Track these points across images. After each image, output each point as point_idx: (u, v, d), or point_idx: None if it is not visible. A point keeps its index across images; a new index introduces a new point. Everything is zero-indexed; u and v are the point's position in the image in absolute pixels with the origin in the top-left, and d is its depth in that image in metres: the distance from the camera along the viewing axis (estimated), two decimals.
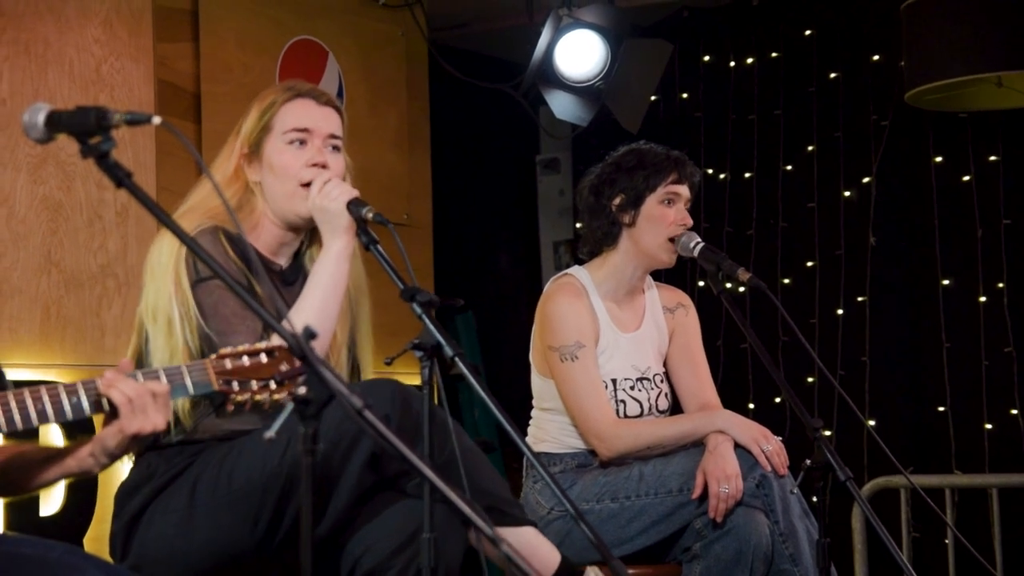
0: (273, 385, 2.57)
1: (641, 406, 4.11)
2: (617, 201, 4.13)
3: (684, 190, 4.12)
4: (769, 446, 3.87)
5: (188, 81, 5.16)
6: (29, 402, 2.45)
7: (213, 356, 2.60)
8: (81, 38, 4.73)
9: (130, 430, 2.54)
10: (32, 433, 2.76)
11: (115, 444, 2.57)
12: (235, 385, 2.57)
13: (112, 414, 2.55)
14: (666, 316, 4.28)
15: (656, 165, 4.11)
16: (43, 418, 2.46)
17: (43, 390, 2.48)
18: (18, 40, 4.57)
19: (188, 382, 2.60)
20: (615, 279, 4.17)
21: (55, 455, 2.68)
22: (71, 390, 2.50)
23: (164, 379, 2.57)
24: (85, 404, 2.50)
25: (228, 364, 2.59)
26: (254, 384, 2.57)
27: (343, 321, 3.39)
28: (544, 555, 3.35)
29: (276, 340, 2.62)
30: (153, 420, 2.54)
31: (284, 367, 2.58)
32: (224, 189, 3.33)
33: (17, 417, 2.45)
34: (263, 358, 2.59)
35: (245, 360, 2.59)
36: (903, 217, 6.22)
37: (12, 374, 3.51)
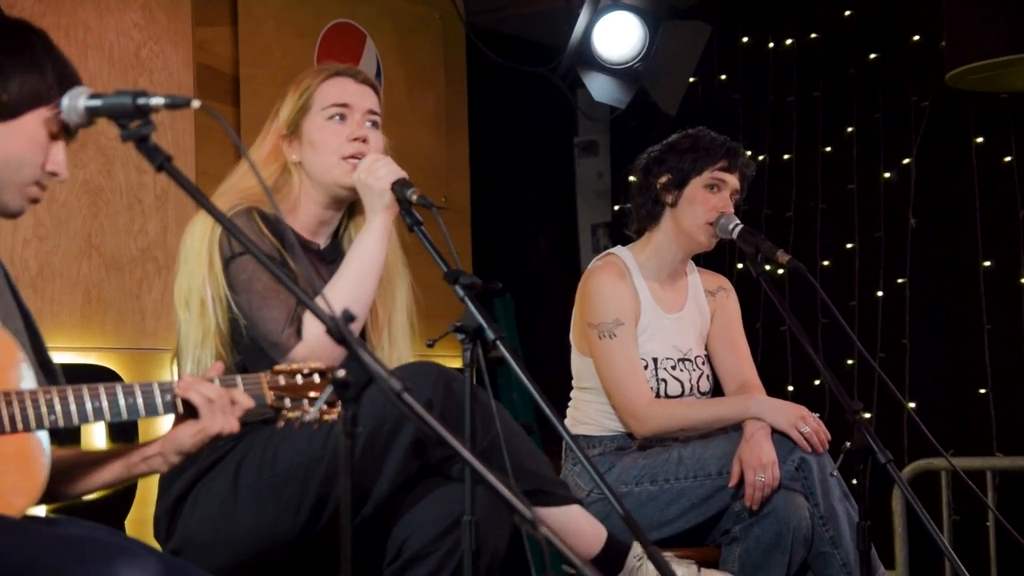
0: (325, 406, 2.59)
1: (682, 386, 4.11)
2: (663, 180, 4.13)
3: (732, 179, 4.10)
4: (807, 428, 3.86)
5: (227, 64, 5.18)
6: (104, 396, 2.46)
7: (268, 371, 2.63)
8: (120, 23, 4.75)
9: (212, 430, 2.56)
10: (74, 434, 2.75)
11: (191, 444, 2.58)
12: (287, 402, 2.61)
13: (185, 416, 2.57)
14: (708, 299, 4.28)
15: (707, 150, 4.10)
16: (115, 414, 2.47)
17: (118, 387, 2.49)
18: (58, 25, 4.59)
19: None
20: (657, 260, 4.17)
21: (116, 455, 2.66)
22: (147, 389, 2.51)
23: (242, 386, 2.60)
24: (159, 403, 2.52)
25: (282, 380, 2.62)
26: (306, 403, 2.62)
27: (384, 302, 3.41)
28: (590, 533, 3.36)
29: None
30: (232, 423, 2.57)
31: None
32: (261, 170, 3.35)
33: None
34: (315, 378, 2.64)
35: (299, 378, 2.63)
36: (943, 199, 6.18)
37: (54, 357, 3.54)
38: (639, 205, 4.19)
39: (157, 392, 2.52)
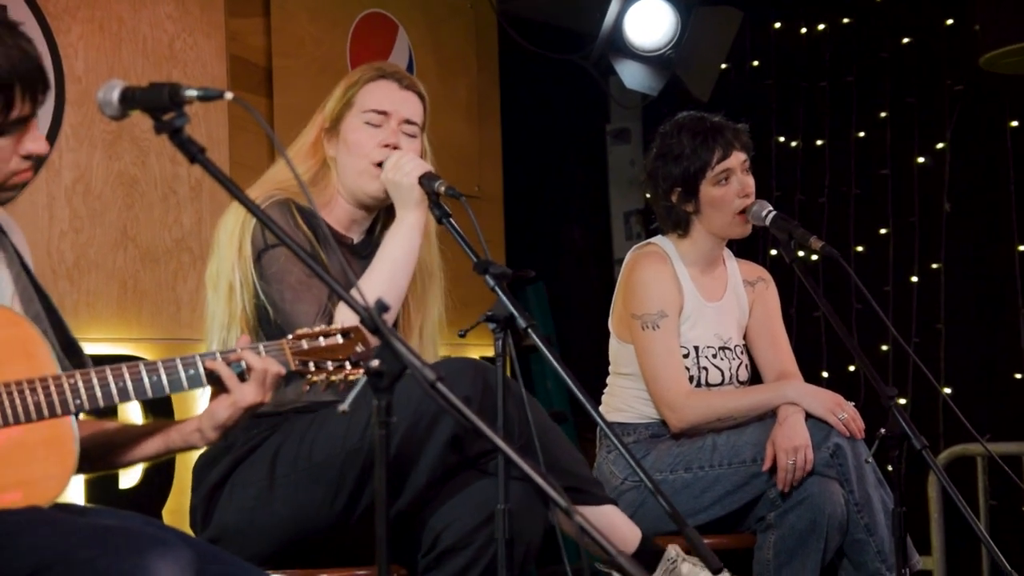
0: (348, 366, 2.59)
1: (723, 374, 4.11)
2: (675, 197, 4.10)
3: (734, 160, 4.07)
4: (844, 414, 3.86)
5: (260, 56, 5.20)
6: (127, 376, 2.47)
7: (290, 336, 2.62)
8: (154, 15, 4.77)
9: (244, 402, 2.57)
10: (111, 410, 2.78)
11: (227, 416, 2.59)
12: (311, 366, 2.60)
13: (217, 391, 2.58)
14: (747, 289, 4.27)
15: (696, 151, 4.05)
16: (140, 392, 2.48)
17: (141, 365, 2.50)
18: (92, 18, 4.61)
19: None
20: (696, 251, 4.16)
21: (156, 430, 2.69)
22: (170, 365, 2.52)
23: (264, 353, 2.59)
24: (183, 378, 2.52)
25: (304, 345, 2.61)
26: (330, 365, 2.59)
27: (417, 303, 3.42)
28: (624, 533, 3.37)
29: (348, 319, 2.62)
30: (262, 393, 2.58)
31: (360, 348, 2.59)
32: (300, 163, 3.38)
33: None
34: (339, 339, 2.61)
35: (321, 341, 2.61)
36: (978, 183, 6.15)
37: (89, 348, 3.59)
38: (663, 217, 4.18)
39: (180, 368, 2.52)
